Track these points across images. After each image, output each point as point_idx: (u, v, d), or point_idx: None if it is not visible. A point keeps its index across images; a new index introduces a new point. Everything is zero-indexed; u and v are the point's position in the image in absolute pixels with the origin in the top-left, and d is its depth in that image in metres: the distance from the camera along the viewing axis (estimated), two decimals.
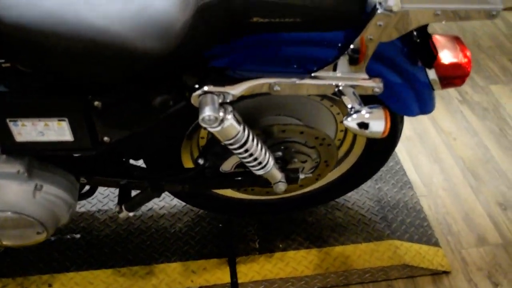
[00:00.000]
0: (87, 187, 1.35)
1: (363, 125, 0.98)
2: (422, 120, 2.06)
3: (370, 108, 0.98)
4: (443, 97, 2.18)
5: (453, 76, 1.11)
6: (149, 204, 1.62)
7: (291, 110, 1.29)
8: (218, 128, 1.01)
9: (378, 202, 1.68)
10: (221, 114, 1.00)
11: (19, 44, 0.87)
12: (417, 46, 1.10)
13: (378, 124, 0.98)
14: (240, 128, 1.05)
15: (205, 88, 0.99)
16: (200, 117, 0.97)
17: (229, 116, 1.01)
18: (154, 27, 0.90)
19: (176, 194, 1.48)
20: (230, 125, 1.02)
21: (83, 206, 1.60)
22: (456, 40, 1.13)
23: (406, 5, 0.91)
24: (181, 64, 0.96)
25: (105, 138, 1.08)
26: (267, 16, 0.91)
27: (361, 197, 1.68)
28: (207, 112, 0.96)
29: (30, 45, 0.87)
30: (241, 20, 0.91)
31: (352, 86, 1.05)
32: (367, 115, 0.98)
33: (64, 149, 1.10)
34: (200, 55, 1.00)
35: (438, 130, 2.02)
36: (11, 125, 1.03)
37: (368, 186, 1.72)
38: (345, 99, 1.02)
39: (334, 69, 1.03)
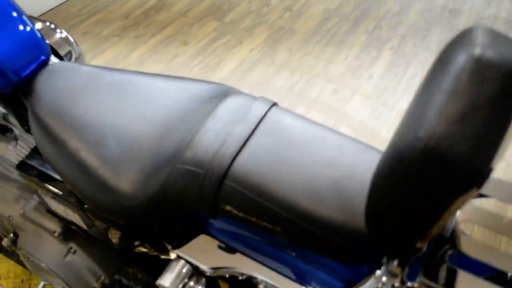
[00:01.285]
0: None
1: None
2: None
3: None
4: None
5: None
6: None
7: None
8: None
9: None
10: (191, 284, 0.88)
11: None
12: None
13: None
14: None
15: (179, 252, 0.88)
16: (156, 282, 0.86)
17: None
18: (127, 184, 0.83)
19: None
20: None
21: None
22: None
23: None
24: (156, 218, 0.86)
25: None
26: (241, 210, 0.73)
27: None
28: (164, 282, 0.85)
29: None
30: (213, 202, 0.75)
31: None
32: None
33: None
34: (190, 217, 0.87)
35: None
36: None
37: None
38: None
39: None
